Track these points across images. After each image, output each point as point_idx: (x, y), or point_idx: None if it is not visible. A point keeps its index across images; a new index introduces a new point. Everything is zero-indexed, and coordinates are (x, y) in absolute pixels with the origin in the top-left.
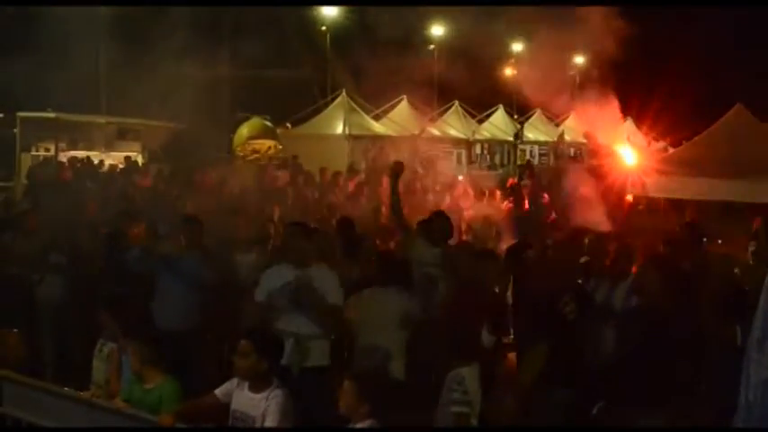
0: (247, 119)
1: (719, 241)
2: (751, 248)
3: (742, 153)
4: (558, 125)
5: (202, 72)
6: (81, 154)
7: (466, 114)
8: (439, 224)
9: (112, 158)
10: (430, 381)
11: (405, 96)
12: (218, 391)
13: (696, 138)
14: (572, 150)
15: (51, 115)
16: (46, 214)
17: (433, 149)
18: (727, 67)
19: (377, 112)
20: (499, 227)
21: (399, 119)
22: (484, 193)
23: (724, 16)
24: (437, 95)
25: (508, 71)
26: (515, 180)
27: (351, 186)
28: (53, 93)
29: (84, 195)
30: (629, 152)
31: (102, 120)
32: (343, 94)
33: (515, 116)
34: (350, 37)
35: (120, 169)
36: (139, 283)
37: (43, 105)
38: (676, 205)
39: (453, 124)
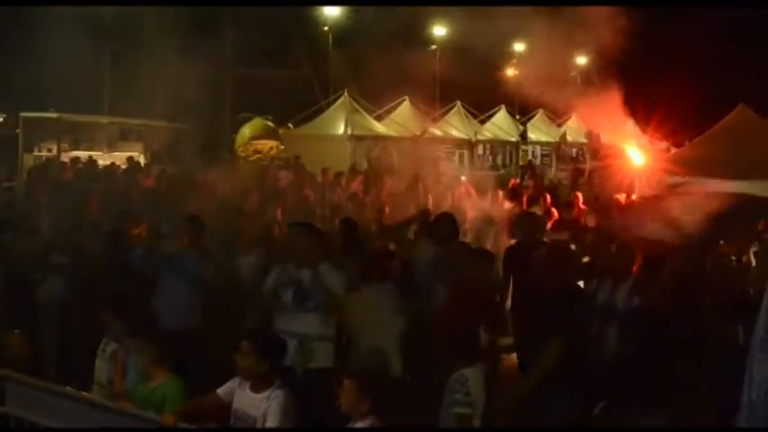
0: (249, 119)
1: (722, 241)
2: (754, 249)
3: (751, 152)
4: (559, 125)
5: (205, 73)
6: (83, 154)
7: (468, 115)
8: (445, 225)
9: (115, 159)
10: (432, 381)
11: (407, 97)
12: (220, 391)
13: (701, 137)
14: (574, 151)
15: (54, 116)
16: (48, 214)
17: (436, 150)
18: (729, 67)
19: (379, 112)
20: (500, 227)
21: (401, 119)
22: (486, 194)
23: (724, 16)
24: (439, 96)
25: (510, 71)
26: (517, 181)
27: (352, 187)
28: (55, 93)
29: (87, 195)
30: (636, 152)
31: (104, 120)
32: (345, 94)
33: (517, 116)
34: (352, 37)
35: (123, 169)
36: (142, 283)
37: (45, 106)
38: None
39: (455, 125)
